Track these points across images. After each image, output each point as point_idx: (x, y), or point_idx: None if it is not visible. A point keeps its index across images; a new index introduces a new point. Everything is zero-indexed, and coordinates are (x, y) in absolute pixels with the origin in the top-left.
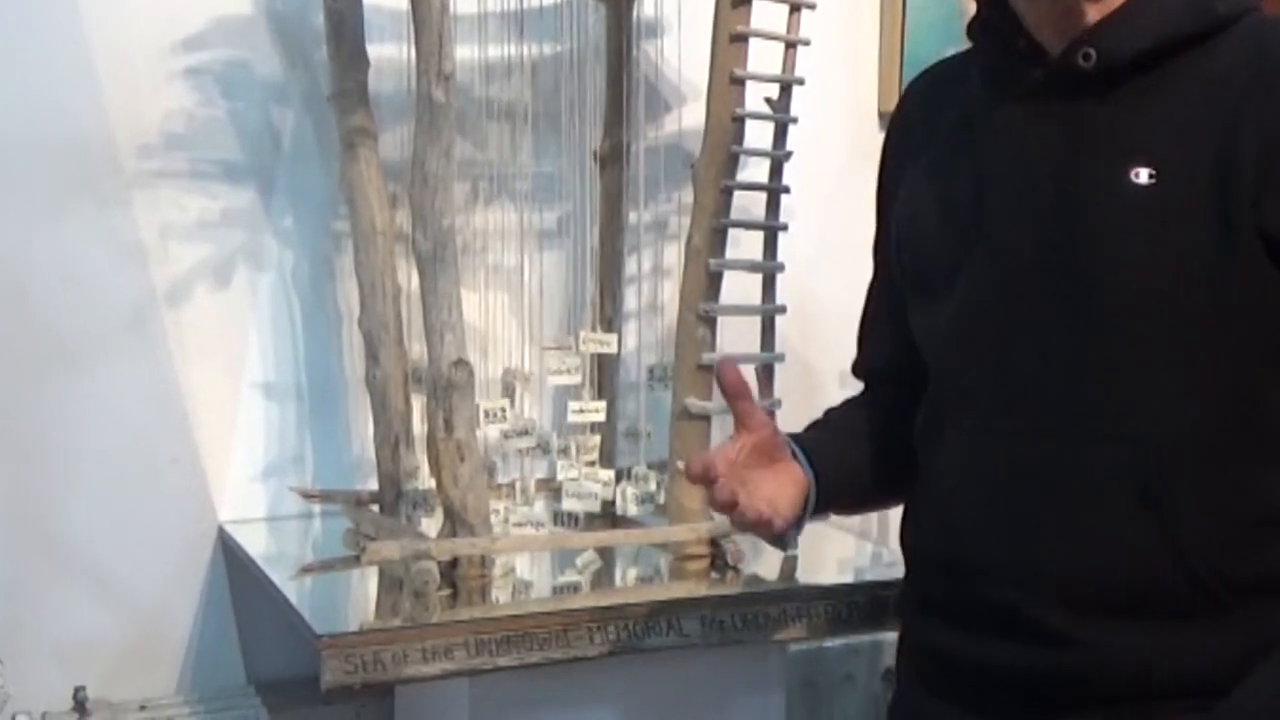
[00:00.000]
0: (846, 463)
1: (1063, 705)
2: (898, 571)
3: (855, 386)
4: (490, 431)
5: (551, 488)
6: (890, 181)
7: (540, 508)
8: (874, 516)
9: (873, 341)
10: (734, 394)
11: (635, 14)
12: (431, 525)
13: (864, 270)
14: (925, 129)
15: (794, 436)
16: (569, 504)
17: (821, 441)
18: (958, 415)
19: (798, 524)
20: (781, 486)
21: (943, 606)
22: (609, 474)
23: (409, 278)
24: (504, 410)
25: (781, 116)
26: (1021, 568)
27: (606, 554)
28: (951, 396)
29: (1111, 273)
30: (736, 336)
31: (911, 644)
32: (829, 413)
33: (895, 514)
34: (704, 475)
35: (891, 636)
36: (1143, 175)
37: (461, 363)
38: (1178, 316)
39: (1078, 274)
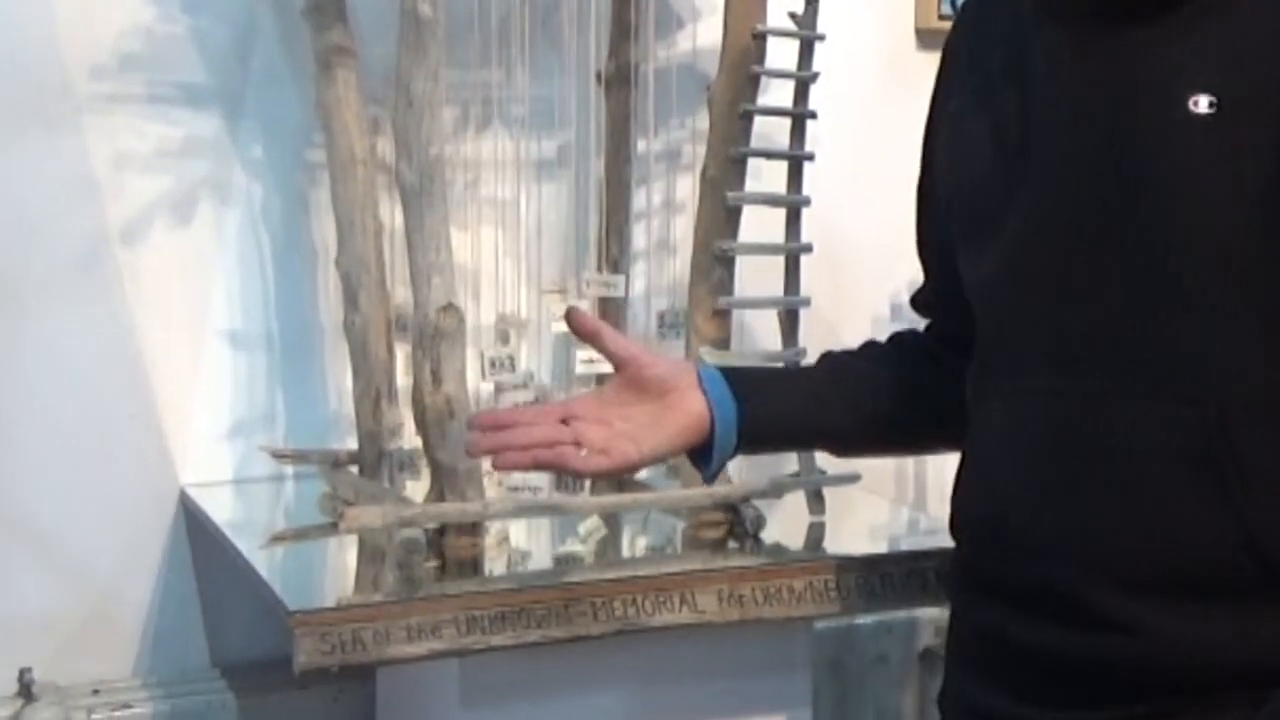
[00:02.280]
0: (797, 397)
1: (1116, 695)
2: (937, 540)
3: (889, 331)
4: (484, 385)
5: None
6: (939, 114)
7: None
8: (910, 479)
9: (933, 272)
10: (587, 335)
11: None
12: (417, 489)
13: (899, 204)
14: (974, 56)
15: (725, 369)
16: None
17: (760, 375)
18: (1001, 373)
19: (704, 457)
20: (656, 418)
21: (989, 583)
22: None
23: (392, 213)
24: (512, 359)
25: (807, 33)
26: (1067, 543)
27: (612, 521)
28: (996, 352)
29: (1168, 213)
30: (756, 278)
31: (959, 624)
32: (863, 347)
33: (934, 477)
34: (491, 425)
35: (930, 613)
36: (1202, 104)
37: (451, 308)
38: (1242, 261)
39: (1130, 216)
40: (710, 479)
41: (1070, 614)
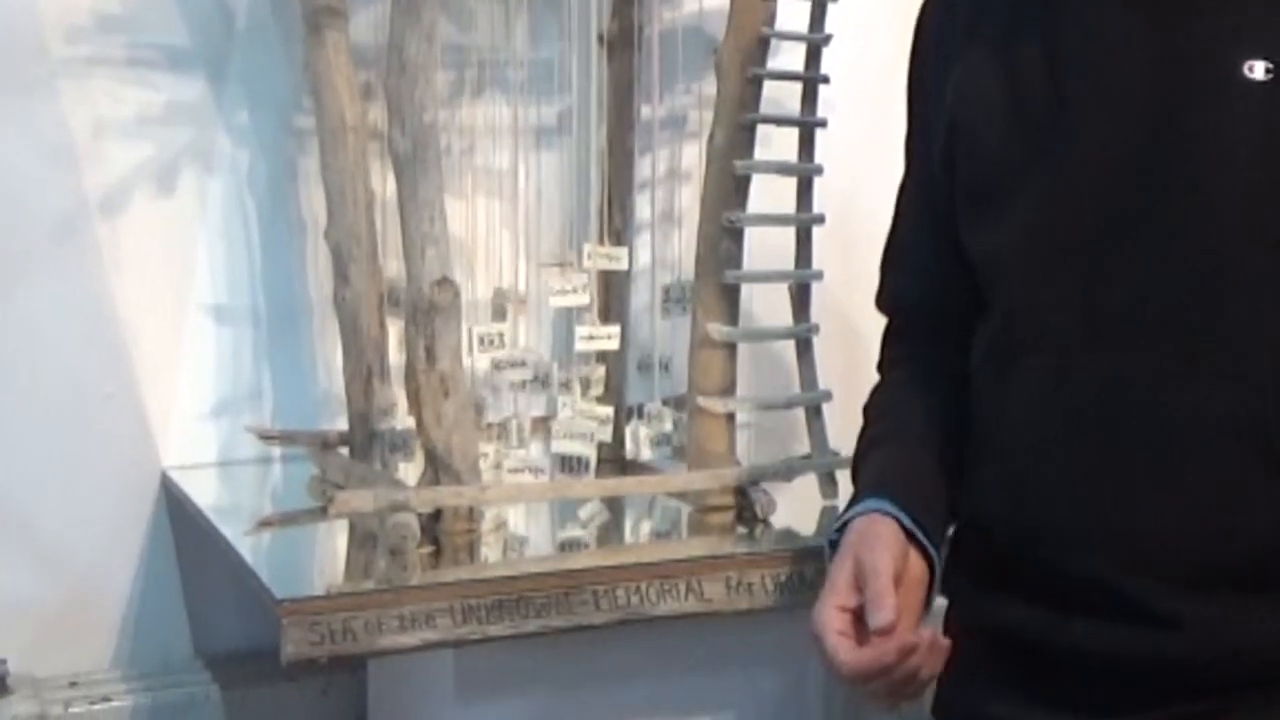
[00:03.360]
0: (938, 488)
1: (1159, 695)
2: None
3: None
4: (480, 362)
5: (550, 427)
6: (934, 66)
7: (537, 451)
8: None
9: (907, 267)
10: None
11: None
12: (410, 471)
13: None
14: (978, 5)
15: (889, 498)
16: (560, 446)
17: (913, 484)
18: (1030, 353)
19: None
20: (877, 552)
21: (1008, 579)
22: (607, 410)
23: (384, 182)
24: (502, 335)
25: None
26: (1109, 533)
27: (615, 505)
28: (1022, 330)
29: (1219, 181)
30: (767, 251)
31: (962, 624)
32: (879, 417)
33: None
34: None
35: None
36: (1258, 70)
37: (446, 282)
38: None
39: (1177, 182)
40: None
41: (1105, 608)
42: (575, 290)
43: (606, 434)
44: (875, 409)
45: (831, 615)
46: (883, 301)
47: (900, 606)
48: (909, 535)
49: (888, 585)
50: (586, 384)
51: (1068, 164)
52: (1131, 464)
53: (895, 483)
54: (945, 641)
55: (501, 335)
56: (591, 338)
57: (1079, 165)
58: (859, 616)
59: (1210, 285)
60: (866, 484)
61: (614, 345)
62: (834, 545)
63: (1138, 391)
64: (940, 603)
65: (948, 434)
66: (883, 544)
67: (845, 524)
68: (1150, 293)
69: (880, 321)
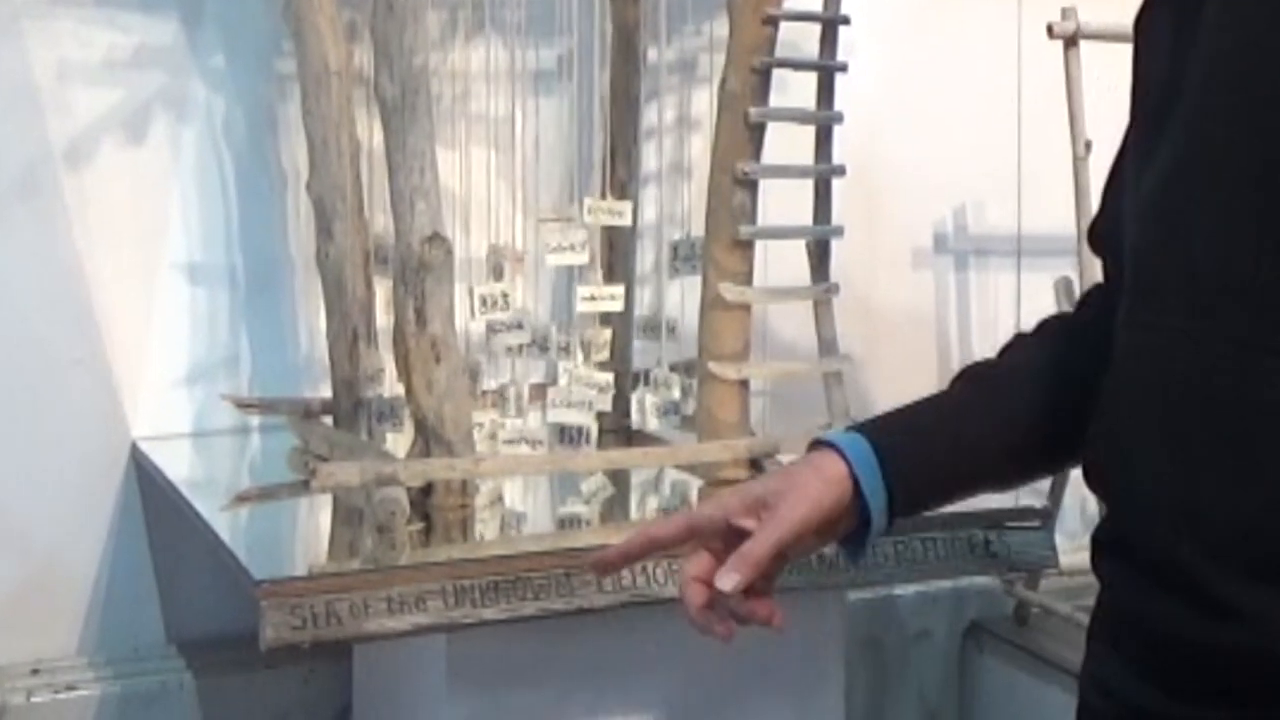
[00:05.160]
0: (970, 439)
1: (1247, 692)
2: (983, 500)
3: (933, 266)
4: (474, 325)
5: (550, 395)
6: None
7: (536, 420)
8: None
9: (1105, 201)
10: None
11: None
12: (399, 443)
13: (944, 120)
14: None
15: (877, 420)
16: (556, 415)
17: (914, 419)
18: (1132, 310)
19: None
20: (794, 506)
21: (1115, 551)
22: (607, 377)
23: (370, 131)
24: (505, 296)
25: None
26: (1182, 512)
27: (619, 478)
28: (1130, 286)
29: None
30: (782, 204)
31: (1101, 593)
32: (1004, 348)
33: None
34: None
35: (978, 583)
36: None
37: (437, 238)
38: None
39: None
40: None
41: (1183, 594)
42: (574, 247)
43: (606, 402)
44: (1014, 340)
45: (712, 510)
46: (1090, 235)
47: (760, 573)
48: (853, 480)
49: (760, 553)
50: (589, 348)
51: (1182, 125)
52: (1204, 437)
53: (892, 425)
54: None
55: (505, 295)
56: (593, 298)
57: (1189, 127)
58: (734, 532)
59: None
60: (881, 416)
61: (617, 306)
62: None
63: (1217, 358)
64: None
65: (1044, 383)
66: (807, 501)
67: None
68: (1241, 256)
69: (904, 277)
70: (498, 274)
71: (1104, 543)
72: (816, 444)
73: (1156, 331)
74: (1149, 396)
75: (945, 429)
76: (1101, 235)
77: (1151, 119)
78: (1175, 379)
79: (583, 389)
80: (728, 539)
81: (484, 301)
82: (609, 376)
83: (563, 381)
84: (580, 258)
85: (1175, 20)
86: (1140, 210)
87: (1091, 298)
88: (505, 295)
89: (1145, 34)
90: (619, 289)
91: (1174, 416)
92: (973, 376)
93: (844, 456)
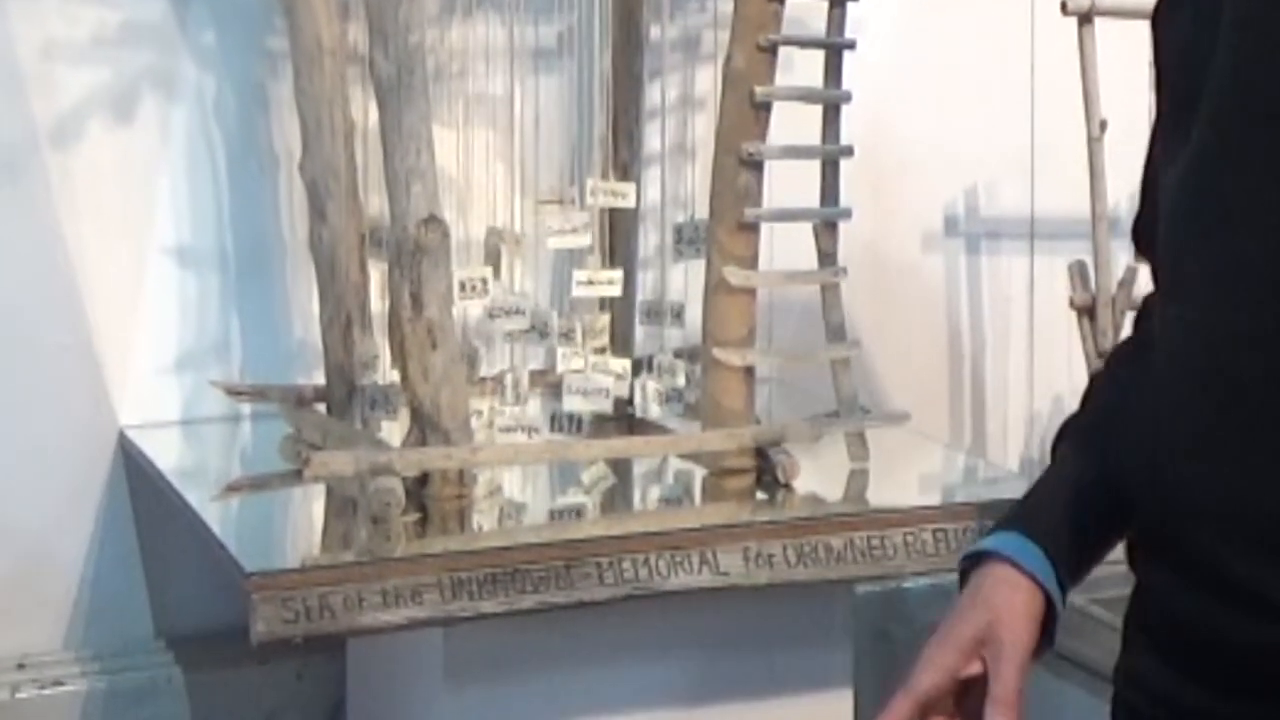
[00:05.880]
0: (1104, 504)
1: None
2: (999, 490)
3: (943, 249)
4: (472, 310)
5: (550, 382)
6: None
7: (535, 408)
8: (967, 419)
9: (1146, 193)
10: None
11: None
12: (394, 431)
13: (956, 99)
14: None
15: (1023, 515)
16: (572, 403)
17: (1054, 504)
18: (1170, 302)
19: (1046, 634)
20: (1016, 632)
21: (1156, 548)
22: (624, 364)
23: (365, 110)
24: (484, 281)
25: None
26: (1225, 511)
27: (621, 468)
28: (1169, 277)
29: None
30: (789, 186)
31: (1137, 587)
32: (1085, 398)
33: (994, 416)
34: None
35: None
36: None
37: (433, 220)
38: None
39: None
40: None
41: (1225, 593)
42: (574, 230)
43: (624, 389)
44: (1094, 381)
45: (936, 677)
46: (1135, 231)
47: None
48: (1038, 584)
49: (1015, 690)
50: (589, 334)
51: (1216, 106)
52: (1247, 434)
53: (1039, 513)
54: None
55: (484, 281)
56: (591, 283)
57: (1223, 109)
58: (964, 684)
59: None
60: (1021, 507)
61: (615, 291)
62: (964, 575)
63: (1261, 353)
64: None
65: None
66: (1023, 620)
67: (980, 554)
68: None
69: (914, 261)
70: (496, 257)
71: (1144, 543)
72: (980, 556)
73: (1198, 329)
74: (1183, 390)
75: (1082, 503)
76: (1141, 235)
77: (1182, 101)
78: (1209, 371)
79: (600, 376)
80: (955, 694)
81: (463, 286)
82: (625, 363)
83: (576, 364)
84: (582, 240)
85: (1194, 14)
86: (1169, 201)
87: (1149, 305)
88: (484, 280)
89: (1164, 28)
90: (617, 273)
91: (1217, 419)
92: (1074, 436)
93: (1020, 567)
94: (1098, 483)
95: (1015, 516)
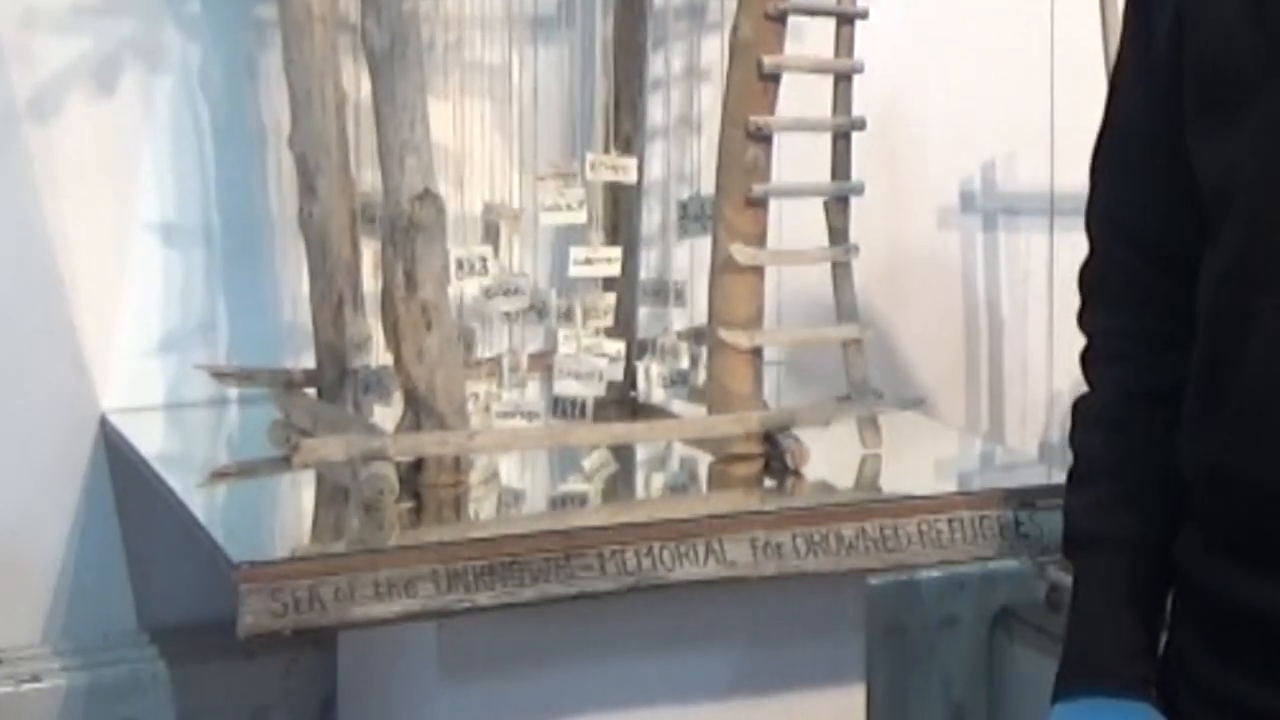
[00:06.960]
0: (1163, 598)
1: None
2: (1016, 476)
3: (960, 226)
4: (468, 289)
5: (549, 364)
6: None
7: (534, 392)
8: (984, 404)
9: (1125, 183)
10: None
11: None
12: (388, 416)
13: (969, 72)
14: None
15: (1122, 664)
16: (564, 386)
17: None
18: (1267, 293)
19: None
20: None
21: (1243, 545)
22: (618, 346)
23: (357, 81)
24: (484, 260)
25: None
26: None
27: (623, 454)
28: (1256, 264)
29: None
30: (799, 160)
31: (1194, 589)
32: (1095, 487)
33: (1012, 401)
34: None
35: (1007, 567)
36: None
37: (428, 196)
38: None
39: None
40: None
41: None
42: (571, 206)
43: (618, 372)
44: (1091, 455)
45: None
46: (1095, 212)
47: None
48: None
49: None
50: (590, 314)
51: None
52: None
53: (1138, 659)
54: None
55: (484, 259)
56: (589, 261)
57: None
58: None
59: None
60: (1087, 658)
61: (614, 270)
62: None
63: None
64: None
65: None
66: None
67: None
68: None
69: (928, 238)
70: (493, 234)
71: (1212, 537)
72: None
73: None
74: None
75: (1150, 614)
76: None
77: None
78: None
79: (592, 359)
80: None
81: (459, 264)
82: (620, 345)
83: (568, 348)
84: (577, 217)
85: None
86: (1247, 175)
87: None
88: (484, 259)
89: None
90: (616, 251)
91: None
92: (1104, 524)
93: None
94: (1154, 579)
95: (1118, 669)
